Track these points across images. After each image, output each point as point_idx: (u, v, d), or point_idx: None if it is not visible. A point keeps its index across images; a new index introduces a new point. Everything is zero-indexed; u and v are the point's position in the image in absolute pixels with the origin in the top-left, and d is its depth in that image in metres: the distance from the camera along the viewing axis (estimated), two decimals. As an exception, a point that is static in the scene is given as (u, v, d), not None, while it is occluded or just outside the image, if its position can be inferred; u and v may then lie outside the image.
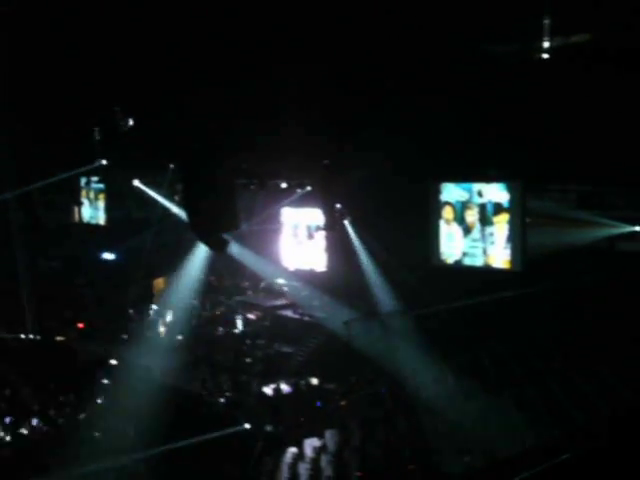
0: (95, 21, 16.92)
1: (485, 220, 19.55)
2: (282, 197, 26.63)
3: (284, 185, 26.28)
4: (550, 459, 12.53)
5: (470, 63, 16.97)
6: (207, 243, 20.21)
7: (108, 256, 30.17)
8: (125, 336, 26.61)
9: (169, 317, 26.36)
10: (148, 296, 29.18)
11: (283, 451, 17.63)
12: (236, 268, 27.85)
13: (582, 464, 12.25)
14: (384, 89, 18.65)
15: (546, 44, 15.83)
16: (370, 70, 18.13)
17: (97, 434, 18.14)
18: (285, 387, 21.48)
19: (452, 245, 20.45)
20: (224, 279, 29.36)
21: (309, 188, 25.45)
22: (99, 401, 20.12)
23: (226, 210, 20.06)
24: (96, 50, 18.30)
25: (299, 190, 25.92)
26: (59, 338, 26.74)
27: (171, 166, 26.41)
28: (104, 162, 26.80)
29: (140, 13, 16.60)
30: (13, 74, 20.09)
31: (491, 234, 19.43)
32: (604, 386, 15.53)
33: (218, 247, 21.38)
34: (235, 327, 26.06)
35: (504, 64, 16.79)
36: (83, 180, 31.60)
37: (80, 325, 27.78)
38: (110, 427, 18.31)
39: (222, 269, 28.40)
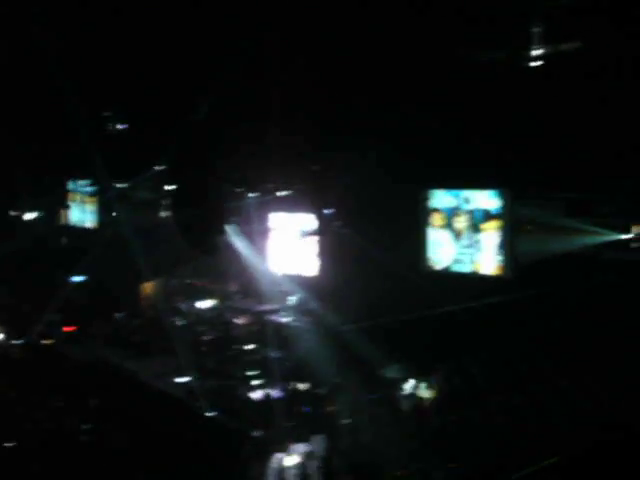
0: (89, 25, 16.95)
1: (474, 227, 19.62)
2: (272, 201, 26.60)
3: (273, 189, 26.28)
4: (536, 463, 12.66)
5: (459, 70, 17.04)
6: (197, 247, 20.26)
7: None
8: (112, 340, 26.59)
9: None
10: (136, 300, 29.15)
11: (271, 456, 17.60)
12: (225, 272, 27.84)
13: (567, 469, 12.37)
14: (373, 95, 18.69)
15: (536, 52, 15.89)
16: (358, 76, 18.17)
17: (84, 438, 18.07)
18: (273, 392, 21.46)
19: (441, 251, 20.51)
20: (213, 283, 29.32)
21: (295, 191, 25.46)
22: (87, 405, 20.03)
23: (215, 215, 20.14)
24: (89, 53, 18.31)
25: (285, 192, 25.90)
26: (45, 341, 26.63)
27: (157, 168, 26.39)
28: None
29: (134, 19, 16.62)
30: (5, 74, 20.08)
31: (479, 241, 19.49)
32: (590, 393, 15.59)
33: (207, 251, 21.48)
34: (223, 332, 26.01)
35: (493, 72, 16.84)
36: (71, 183, 31.62)
37: (68, 328, 27.69)
38: (98, 431, 18.24)
39: (211, 273, 28.36)
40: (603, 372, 16.13)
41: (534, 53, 15.60)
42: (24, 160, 28.38)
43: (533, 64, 15.77)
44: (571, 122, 16.20)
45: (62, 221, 32.78)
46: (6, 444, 17.44)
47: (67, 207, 32.22)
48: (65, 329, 27.60)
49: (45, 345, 26.39)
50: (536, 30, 15.26)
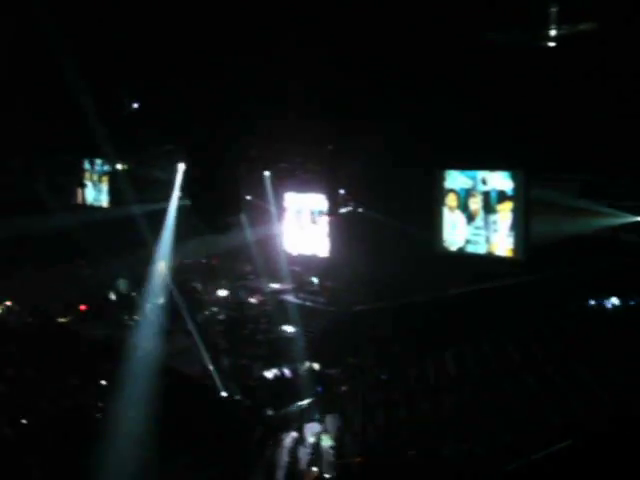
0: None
1: (489, 208, 19.54)
2: (287, 181, 26.60)
3: (288, 168, 26.25)
4: (549, 446, 12.63)
5: (475, 50, 16.91)
6: (210, 226, 20.26)
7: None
8: (127, 319, 26.74)
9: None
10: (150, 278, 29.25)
11: (284, 435, 17.70)
12: (239, 251, 27.87)
13: (581, 452, 12.35)
14: (388, 75, 18.60)
15: (553, 32, 15.72)
16: (374, 56, 18.08)
17: (98, 415, 18.21)
18: (286, 372, 21.54)
19: (455, 232, 20.46)
20: (227, 262, 29.40)
21: (310, 171, 25.43)
22: (102, 383, 20.17)
23: (230, 193, 20.12)
24: (102, 29, 18.26)
25: (300, 172, 25.91)
26: (61, 320, 26.82)
27: (170, 147, 26.41)
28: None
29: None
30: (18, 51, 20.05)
31: (494, 222, 19.42)
32: (604, 376, 15.55)
33: (221, 229, 21.48)
34: (237, 311, 26.10)
35: (509, 52, 16.70)
36: (87, 162, 31.72)
37: (82, 307, 27.88)
38: (111, 410, 18.36)
39: (225, 252, 28.42)
40: (618, 357, 16.08)
41: (551, 33, 15.40)
42: (41, 139, 28.48)
43: (550, 44, 15.58)
44: (588, 103, 16.07)
45: (79, 200, 32.87)
46: (23, 420, 17.63)
47: (83, 186, 32.30)
48: (81, 308, 27.80)
49: (61, 323, 26.60)
50: (553, 10, 15.07)
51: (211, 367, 21.35)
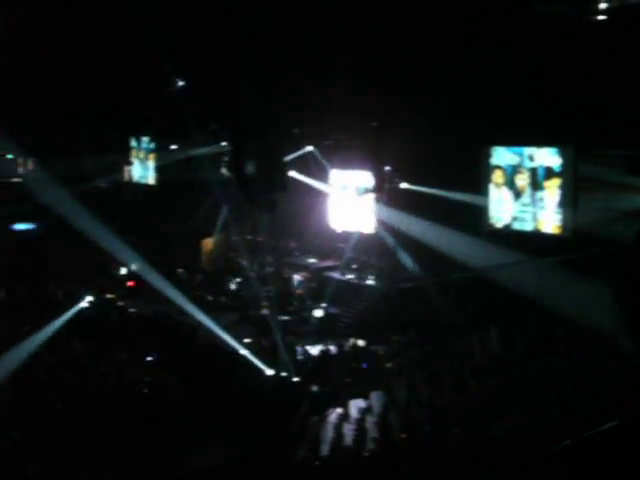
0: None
1: (536, 184, 19.33)
2: (332, 157, 26.54)
3: (333, 145, 26.21)
4: (596, 426, 12.50)
5: (522, 24, 16.70)
6: (255, 204, 20.30)
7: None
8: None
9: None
10: (197, 256, 29.52)
11: (328, 411, 17.76)
12: (284, 229, 27.94)
13: (629, 432, 12.19)
14: (434, 53, 18.47)
15: (602, 5, 15.47)
16: (419, 34, 17.96)
17: (145, 391, 18.44)
18: (332, 348, 21.61)
19: (501, 209, 20.29)
20: (272, 239, 29.48)
21: (355, 148, 25.36)
22: (148, 358, 20.42)
23: (275, 170, 20.13)
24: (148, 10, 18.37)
25: (345, 149, 25.87)
26: (109, 296, 27.14)
27: (213, 126, 26.54)
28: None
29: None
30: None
31: (541, 199, 19.21)
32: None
33: (266, 207, 21.52)
34: (282, 288, 26.19)
35: (558, 26, 16.46)
36: (134, 140, 32.04)
37: (130, 283, 28.21)
38: (158, 384, 18.59)
39: (270, 230, 28.50)
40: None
41: (599, 7, 15.16)
42: (89, 118, 28.82)
43: (598, 18, 15.34)
44: (636, 78, 15.77)
45: (125, 178, 33.30)
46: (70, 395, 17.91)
47: (130, 164, 32.73)
48: (128, 284, 28.14)
49: (108, 299, 26.92)
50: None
51: (256, 343, 21.44)
